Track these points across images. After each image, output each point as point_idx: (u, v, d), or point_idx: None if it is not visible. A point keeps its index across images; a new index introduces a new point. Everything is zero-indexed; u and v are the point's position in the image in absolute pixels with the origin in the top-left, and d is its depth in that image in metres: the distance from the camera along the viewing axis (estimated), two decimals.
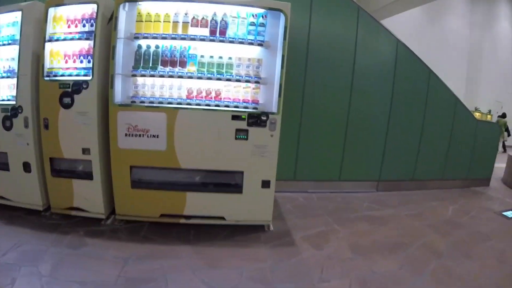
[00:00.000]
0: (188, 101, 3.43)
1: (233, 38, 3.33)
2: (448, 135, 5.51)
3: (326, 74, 4.87)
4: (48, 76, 3.40)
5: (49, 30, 3.40)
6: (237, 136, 3.37)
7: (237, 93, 3.45)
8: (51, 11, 3.38)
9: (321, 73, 4.84)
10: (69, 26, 3.43)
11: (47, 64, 3.41)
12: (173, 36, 3.35)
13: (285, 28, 3.32)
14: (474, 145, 5.79)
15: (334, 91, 4.90)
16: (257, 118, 3.34)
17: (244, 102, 3.44)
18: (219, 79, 3.33)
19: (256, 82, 3.37)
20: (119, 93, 3.46)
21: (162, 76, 3.36)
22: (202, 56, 3.40)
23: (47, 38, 3.35)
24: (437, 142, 5.60)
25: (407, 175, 5.27)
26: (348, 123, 5.04)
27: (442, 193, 5.31)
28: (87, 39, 3.30)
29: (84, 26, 3.34)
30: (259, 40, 3.37)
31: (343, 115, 5.02)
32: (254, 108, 3.41)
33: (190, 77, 3.33)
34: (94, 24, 3.28)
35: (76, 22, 3.36)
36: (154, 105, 3.40)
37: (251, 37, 3.39)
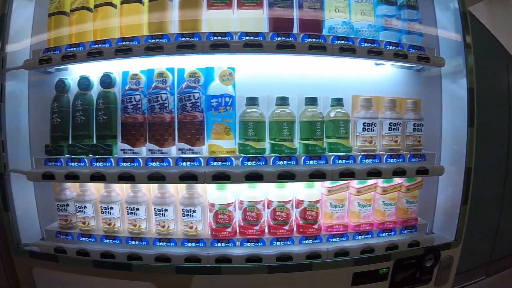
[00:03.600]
0: (219, 246, 1.14)
1: (345, 38, 1.10)
2: None
3: None
4: None
5: None
6: None
7: (363, 207, 1.21)
8: None
9: None
10: None
11: None
12: (153, 43, 1.04)
13: (464, 14, 1.25)
14: None
15: None
16: (414, 267, 1.24)
17: (384, 229, 1.23)
18: (319, 175, 1.05)
19: (421, 171, 1.14)
20: (33, 221, 1.31)
21: (124, 176, 1.04)
22: (252, 102, 1.11)
23: None
24: None
25: None
26: None
27: None
28: None
29: None
30: (412, 47, 1.19)
31: None
32: (411, 243, 1.21)
33: (221, 176, 1.03)
34: None
35: None
36: (114, 261, 1.12)
37: (390, 35, 1.19)
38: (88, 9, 1.20)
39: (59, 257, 1.21)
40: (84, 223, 1.20)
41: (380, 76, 1.34)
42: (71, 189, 1.25)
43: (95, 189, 1.24)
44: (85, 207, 1.19)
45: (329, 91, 1.22)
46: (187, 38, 1.09)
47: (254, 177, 1.07)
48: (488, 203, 2.63)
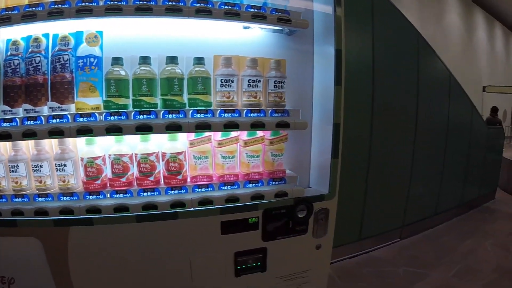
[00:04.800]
0: (91, 198, 1.21)
1: (205, 1, 1.17)
2: (467, 150, 4.01)
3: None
4: None
5: None
6: (240, 267, 1.37)
7: (225, 159, 1.31)
8: None
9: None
10: None
11: None
12: (29, 11, 1.12)
13: None
14: (485, 156, 4.43)
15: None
16: (286, 216, 1.35)
17: (250, 180, 1.33)
18: (175, 127, 1.14)
19: (281, 124, 1.25)
20: None
21: (2, 135, 1.18)
22: (116, 61, 1.19)
23: None
24: (457, 162, 4.01)
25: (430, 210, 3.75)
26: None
27: (464, 224, 3.98)
28: None
29: None
30: (275, 10, 1.26)
31: None
32: (278, 194, 1.30)
33: (84, 130, 1.10)
34: None
35: None
36: (3, 218, 1.22)
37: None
38: None
39: None
40: None
41: (252, 39, 1.41)
42: None
43: None
44: None
45: (198, 53, 1.28)
46: (59, 6, 1.20)
47: (115, 130, 1.15)
48: (399, 171, 2.76)
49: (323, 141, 1.41)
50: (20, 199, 1.26)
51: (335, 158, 1.36)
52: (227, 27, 1.36)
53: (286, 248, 1.37)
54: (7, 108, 1.23)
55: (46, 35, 1.25)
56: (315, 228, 1.42)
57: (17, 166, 1.25)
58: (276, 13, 1.29)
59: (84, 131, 1.15)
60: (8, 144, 1.32)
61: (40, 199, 1.25)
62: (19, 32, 1.28)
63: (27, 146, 1.32)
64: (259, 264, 1.38)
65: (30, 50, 1.23)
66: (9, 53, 1.24)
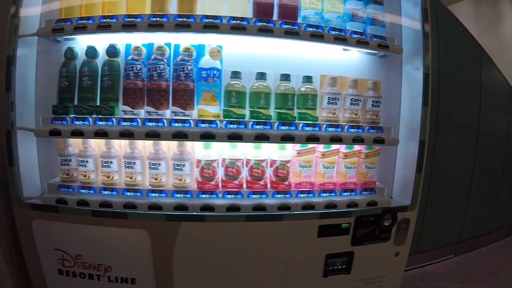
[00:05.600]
0: (204, 197, 1.54)
1: (316, 26, 1.52)
2: None
3: None
4: None
5: None
6: (328, 269, 1.72)
7: (327, 169, 1.64)
8: None
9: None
10: None
11: None
12: (155, 21, 1.43)
13: (424, 10, 1.71)
14: None
15: None
16: (373, 225, 1.68)
17: (346, 189, 1.63)
18: (289, 138, 1.45)
19: (377, 140, 1.56)
20: (34, 177, 1.65)
21: (125, 133, 1.42)
22: (236, 75, 1.51)
23: None
24: None
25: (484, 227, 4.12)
26: None
27: None
28: None
29: None
30: (375, 36, 1.61)
31: None
32: (370, 203, 1.61)
33: (208, 135, 1.42)
34: None
35: None
36: (112, 210, 1.49)
37: (355, 25, 1.61)
38: None
39: (60, 208, 1.50)
40: (85, 176, 1.51)
41: (348, 60, 1.71)
42: (73, 146, 1.55)
43: (95, 146, 1.54)
44: (86, 162, 1.50)
45: (303, 70, 1.57)
46: (184, 19, 1.44)
47: (235, 137, 1.41)
48: (457, 187, 3.11)
49: (407, 156, 1.67)
50: (132, 193, 1.52)
51: (419, 172, 1.63)
52: (331, 48, 1.64)
53: (370, 253, 1.63)
54: (128, 108, 1.47)
55: (168, 45, 1.51)
56: (396, 236, 1.71)
57: (134, 163, 1.51)
58: (376, 39, 1.55)
59: (207, 136, 1.40)
60: (122, 141, 1.58)
61: (153, 194, 1.50)
62: (136, 38, 1.56)
63: (143, 146, 1.57)
64: (344, 266, 1.66)
65: (153, 57, 1.47)
66: (130, 57, 1.48)
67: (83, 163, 1.53)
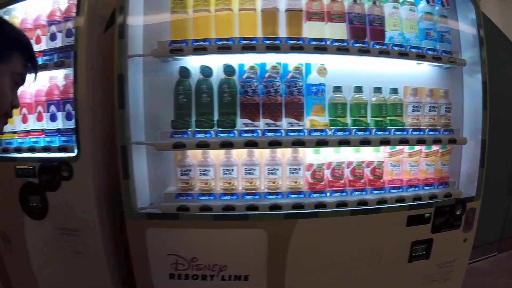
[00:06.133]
0: (316, 196, 1.90)
1: (400, 45, 1.97)
2: None
3: None
4: None
5: None
6: (413, 255, 2.19)
7: (412, 167, 2.05)
8: None
9: None
10: None
11: None
12: (269, 43, 1.81)
13: (479, 26, 2.19)
14: None
15: None
16: (448, 214, 2.09)
17: (427, 183, 2.05)
18: (386, 141, 1.89)
19: (451, 140, 2.01)
20: (144, 189, 1.93)
21: (249, 143, 1.79)
22: (338, 89, 1.92)
23: None
24: None
25: None
26: None
27: None
28: (59, 65, 1.99)
29: (53, 38, 2.08)
30: (444, 52, 2.04)
31: None
32: (446, 195, 2.05)
33: (321, 142, 1.82)
34: (73, 32, 1.92)
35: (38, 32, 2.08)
36: (234, 213, 1.81)
37: (428, 43, 2.07)
38: (209, 11, 1.83)
39: (180, 215, 1.74)
40: (206, 184, 1.76)
41: (420, 72, 2.15)
42: (191, 157, 1.84)
43: (214, 156, 1.84)
44: (208, 170, 1.77)
45: (386, 82, 1.98)
46: (295, 42, 1.82)
47: (345, 143, 1.74)
48: (499, 185, 3.63)
49: (471, 153, 2.10)
50: (251, 196, 1.81)
51: (482, 167, 2.04)
52: (406, 63, 2.04)
53: (444, 240, 1.99)
54: (248, 121, 1.75)
55: (280, 63, 1.85)
56: (465, 224, 2.12)
57: (254, 169, 1.81)
58: (446, 55, 1.94)
59: (321, 143, 1.73)
60: (240, 152, 1.91)
61: (271, 196, 1.79)
62: (233, 58, 1.88)
63: (260, 154, 1.91)
64: (424, 252, 2.14)
65: (268, 75, 1.77)
66: (245, 75, 1.78)
67: (204, 172, 1.84)
